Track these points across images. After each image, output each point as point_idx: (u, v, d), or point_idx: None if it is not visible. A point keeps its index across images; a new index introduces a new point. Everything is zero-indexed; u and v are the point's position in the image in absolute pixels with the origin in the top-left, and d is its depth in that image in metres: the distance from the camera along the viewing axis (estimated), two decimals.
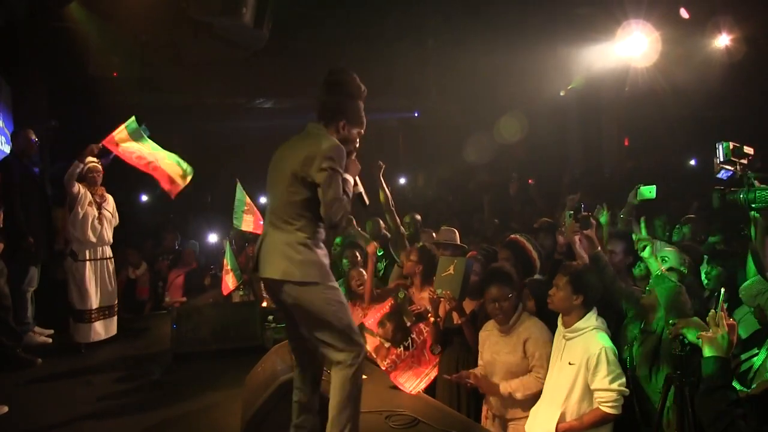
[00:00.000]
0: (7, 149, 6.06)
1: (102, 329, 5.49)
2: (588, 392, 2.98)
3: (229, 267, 6.16)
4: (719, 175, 2.96)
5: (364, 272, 4.86)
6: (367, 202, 2.99)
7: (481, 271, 3.84)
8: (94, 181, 5.55)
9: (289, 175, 2.66)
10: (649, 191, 4.15)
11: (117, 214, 5.74)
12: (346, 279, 4.98)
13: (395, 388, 3.91)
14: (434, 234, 5.25)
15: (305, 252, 2.63)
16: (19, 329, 5.15)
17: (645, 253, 3.10)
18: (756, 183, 2.76)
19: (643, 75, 8.33)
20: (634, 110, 10.36)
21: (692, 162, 10.94)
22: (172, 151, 5.93)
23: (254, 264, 2.79)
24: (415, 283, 4.44)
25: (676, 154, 10.77)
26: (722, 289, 2.37)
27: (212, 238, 9.09)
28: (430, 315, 3.90)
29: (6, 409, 3.99)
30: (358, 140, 2.87)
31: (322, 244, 2.72)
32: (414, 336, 4.11)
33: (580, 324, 3.05)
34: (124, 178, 6.72)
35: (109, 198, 5.70)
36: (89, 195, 5.48)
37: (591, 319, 3.06)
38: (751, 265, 3.00)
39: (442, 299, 3.73)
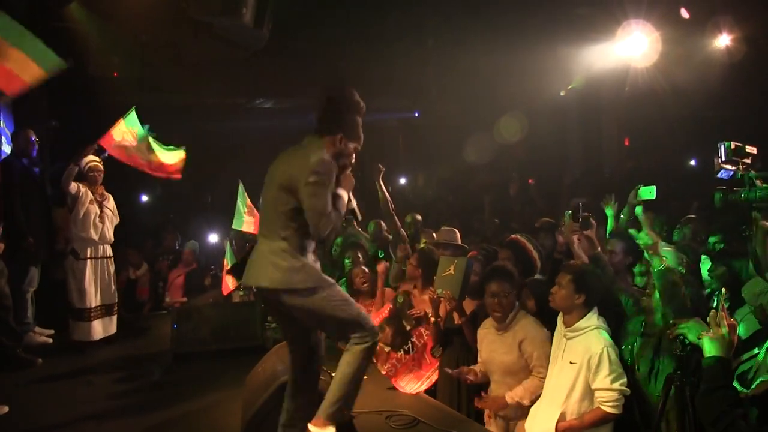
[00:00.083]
0: (7, 149, 6.06)
1: (101, 328, 5.49)
2: (589, 392, 2.98)
3: (229, 267, 6.16)
4: (719, 175, 2.96)
5: (366, 270, 4.89)
6: (360, 218, 3.03)
7: (481, 271, 3.84)
8: (95, 180, 5.57)
9: (277, 186, 2.71)
10: (648, 191, 4.14)
11: (117, 213, 5.75)
12: (348, 278, 4.99)
13: (395, 388, 3.91)
14: (434, 234, 5.26)
15: (291, 260, 2.66)
16: (19, 329, 5.15)
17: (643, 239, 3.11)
18: (758, 183, 2.76)
19: (643, 75, 8.32)
20: (634, 110, 10.34)
21: (692, 162, 10.93)
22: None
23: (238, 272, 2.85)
24: (416, 286, 4.45)
25: (676, 154, 10.75)
26: (723, 289, 2.37)
27: (212, 238, 9.10)
28: (431, 315, 3.90)
29: (6, 409, 3.99)
30: (354, 156, 2.89)
31: (311, 254, 2.74)
32: (414, 339, 4.12)
33: (581, 323, 3.05)
34: (124, 178, 6.72)
35: (110, 197, 5.72)
36: (90, 194, 5.49)
37: (592, 319, 3.06)
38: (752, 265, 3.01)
39: (442, 299, 3.74)
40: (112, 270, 5.68)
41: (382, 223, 6.01)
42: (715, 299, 3.18)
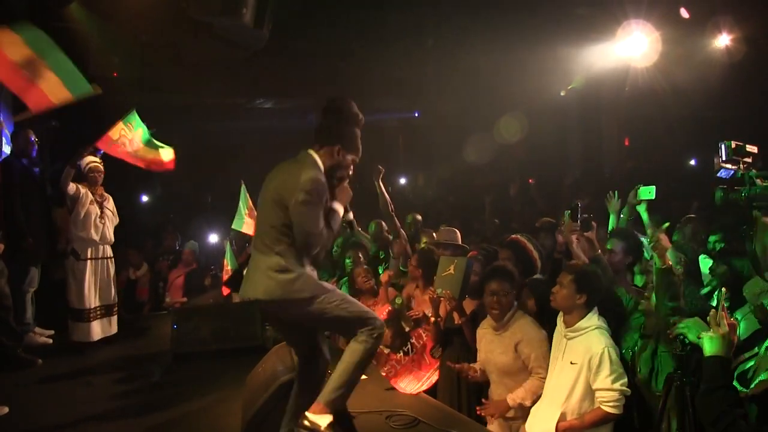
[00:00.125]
0: (7, 149, 6.06)
1: (100, 329, 5.49)
2: (589, 392, 2.98)
3: (229, 267, 6.17)
4: (720, 174, 2.96)
5: (368, 269, 4.90)
6: (356, 229, 3.03)
7: (481, 271, 3.84)
8: (95, 181, 5.57)
9: (270, 201, 2.72)
10: (648, 191, 4.15)
11: (117, 214, 5.75)
12: (350, 278, 5.00)
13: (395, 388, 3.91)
14: (434, 234, 5.26)
15: (286, 272, 2.66)
16: (19, 329, 5.14)
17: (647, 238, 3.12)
18: (758, 182, 2.76)
19: (643, 75, 8.33)
20: (634, 110, 10.35)
21: (692, 162, 10.94)
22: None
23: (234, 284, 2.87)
24: (417, 286, 4.44)
25: (676, 154, 10.75)
26: (723, 289, 2.38)
27: (212, 238, 9.10)
28: (430, 315, 3.90)
29: (6, 409, 3.99)
30: (351, 167, 2.89)
31: (308, 265, 2.74)
32: (413, 341, 4.11)
33: (582, 323, 3.05)
34: (124, 179, 6.72)
35: (109, 197, 5.72)
36: (90, 194, 5.50)
37: (593, 319, 3.06)
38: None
39: (442, 299, 3.74)
40: (113, 271, 5.68)
41: (383, 223, 6.03)
42: (716, 298, 3.18)
